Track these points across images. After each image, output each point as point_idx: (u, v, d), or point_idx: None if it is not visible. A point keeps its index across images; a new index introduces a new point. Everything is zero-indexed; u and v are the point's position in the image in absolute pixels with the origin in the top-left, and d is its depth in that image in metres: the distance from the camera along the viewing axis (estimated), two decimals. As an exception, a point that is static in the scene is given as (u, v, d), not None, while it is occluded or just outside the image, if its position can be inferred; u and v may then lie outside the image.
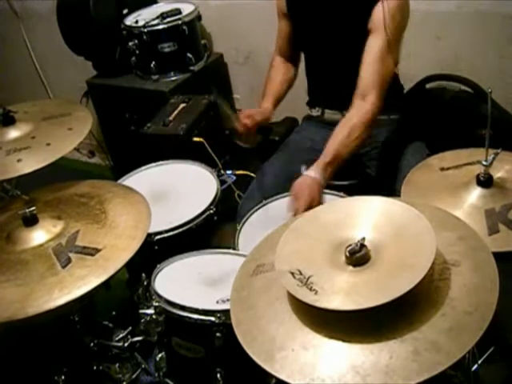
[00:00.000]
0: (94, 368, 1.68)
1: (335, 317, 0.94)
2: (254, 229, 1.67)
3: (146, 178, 1.98)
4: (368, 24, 1.68)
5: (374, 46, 1.66)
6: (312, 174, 1.59)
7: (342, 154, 1.63)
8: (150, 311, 1.50)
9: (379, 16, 1.64)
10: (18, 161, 1.47)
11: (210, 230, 1.77)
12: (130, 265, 1.35)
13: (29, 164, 1.46)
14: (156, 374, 1.56)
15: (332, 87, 1.93)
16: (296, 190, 1.58)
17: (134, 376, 1.69)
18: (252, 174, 2.02)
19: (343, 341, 0.93)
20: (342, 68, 1.86)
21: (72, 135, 1.55)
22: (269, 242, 1.21)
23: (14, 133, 1.58)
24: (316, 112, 2.02)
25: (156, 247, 1.68)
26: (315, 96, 2.03)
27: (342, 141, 1.63)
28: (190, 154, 2.03)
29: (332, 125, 1.96)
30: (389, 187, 1.75)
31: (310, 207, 1.50)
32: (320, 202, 1.57)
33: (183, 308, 1.41)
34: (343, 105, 1.93)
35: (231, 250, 1.62)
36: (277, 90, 2.01)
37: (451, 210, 1.17)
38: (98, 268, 1.28)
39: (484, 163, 1.25)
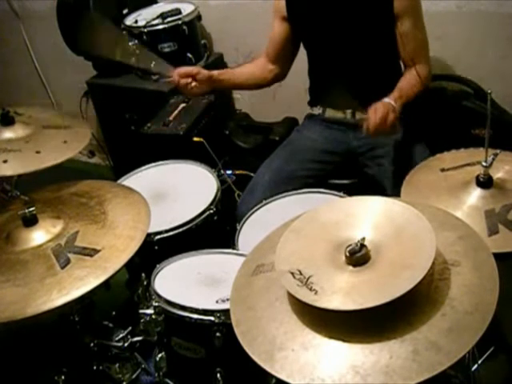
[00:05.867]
0: (94, 368, 1.68)
1: (335, 317, 0.94)
2: (254, 229, 1.67)
3: (145, 178, 1.98)
4: (388, 14, 1.74)
5: (406, 25, 1.75)
6: (387, 99, 1.69)
7: (409, 93, 1.75)
8: (150, 311, 1.49)
9: (402, 2, 1.72)
10: (4, 161, 1.47)
11: (210, 230, 1.77)
12: (130, 265, 1.35)
13: (13, 167, 1.46)
14: (156, 374, 1.56)
15: (334, 86, 1.93)
16: (372, 108, 1.66)
17: (134, 376, 1.69)
18: (252, 174, 2.03)
19: (343, 341, 0.93)
20: (345, 67, 1.86)
21: (64, 148, 1.55)
22: (269, 242, 1.21)
23: (9, 133, 1.58)
24: (317, 110, 2.02)
25: (156, 247, 1.68)
26: (317, 95, 2.03)
27: (407, 83, 1.77)
28: (190, 154, 2.03)
29: (333, 123, 1.97)
30: (389, 187, 1.75)
31: (384, 122, 1.62)
32: (395, 124, 1.66)
33: (183, 308, 1.41)
34: (345, 103, 1.93)
35: (231, 250, 1.62)
36: (232, 71, 2.03)
37: (451, 211, 1.17)
38: (97, 269, 1.28)
39: (484, 164, 1.25)
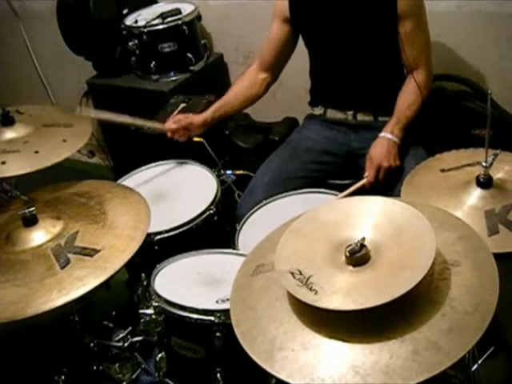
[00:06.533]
0: (94, 368, 1.68)
1: (335, 317, 0.94)
2: (254, 229, 1.67)
3: (145, 178, 1.98)
4: (391, 15, 1.75)
5: (409, 26, 1.75)
6: (386, 135, 1.76)
7: (407, 114, 1.79)
8: (150, 311, 1.49)
9: (405, 2, 1.72)
10: (2, 163, 1.48)
11: (210, 230, 1.77)
12: (130, 265, 1.35)
13: (11, 168, 1.47)
14: (156, 374, 1.56)
15: (336, 86, 1.93)
16: (374, 153, 1.74)
17: (134, 376, 1.69)
18: (252, 174, 2.02)
19: (343, 341, 0.93)
20: (348, 68, 1.86)
21: (63, 147, 1.55)
22: (269, 242, 1.21)
23: (9, 134, 1.59)
24: (318, 110, 2.02)
25: (156, 247, 1.68)
26: (318, 95, 2.02)
27: (403, 103, 1.80)
28: (190, 154, 2.03)
29: (334, 123, 1.97)
30: (388, 188, 1.75)
31: (389, 167, 1.72)
32: (398, 161, 1.75)
33: (183, 308, 1.41)
34: (346, 104, 1.93)
35: (231, 250, 1.62)
36: (226, 102, 2.02)
37: (451, 211, 1.17)
38: (97, 269, 1.28)
39: (484, 164, 1.25)
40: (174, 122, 1.98)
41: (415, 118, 1.80)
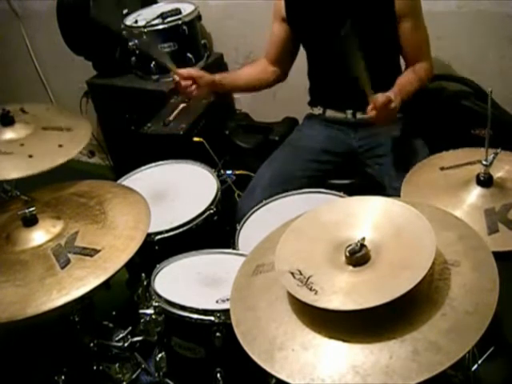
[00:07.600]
0: (94, 368, 1.68)
1: (335, 317, 0.94)
2: (254, 229, 1.67)
3: (145, 178, 1.98)
4: (389, 15, 1.75)
5: (408, 25, 1.77)
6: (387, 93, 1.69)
7: (407, 89, 1.75)
8: (150, 311, 1.49)
9: (403, 2, 1.73)
10: None
11: (210, 230, 1.77)
12: (130, 265, 1.35)
13: (3, 172, 1.46)
14: (156, 374, 1.56)
15: (334, 87, 1.93)
16: (375, 96, 1.66)
17: (134, 376, 1.69)
18: (252, 174, 2.03)
19: (343, 341, 0.93)
20: (345, 68, 1.86)
21: (58, 153, 1.54)
22: (269, 242, 1.21)
23: (7, 134, 1.58)
24: (317, 110, 2.02)
25: (156, 247, 1.68)
26: (317, 95, 2.03)
27: (404, 79, 1.79)
28: (190, 154, 2.03)
29: (333, 123, 1.97)
30: (389, 186, 1.75)
31: (386, 108, 1.61)
32: (396, 113, 1.67)
33: (183, 308, 1.41)
34: (345, 104, 1.93)
35: (231, 250, 1.62)
36: (236, 74, 2.02)
37: (451, 210, 1.17)
38: (97, 269, 1.28)
39: (484, 163, 1.25)
40: (185, 70, 1.88)
41: (413, 97, 1.77)
